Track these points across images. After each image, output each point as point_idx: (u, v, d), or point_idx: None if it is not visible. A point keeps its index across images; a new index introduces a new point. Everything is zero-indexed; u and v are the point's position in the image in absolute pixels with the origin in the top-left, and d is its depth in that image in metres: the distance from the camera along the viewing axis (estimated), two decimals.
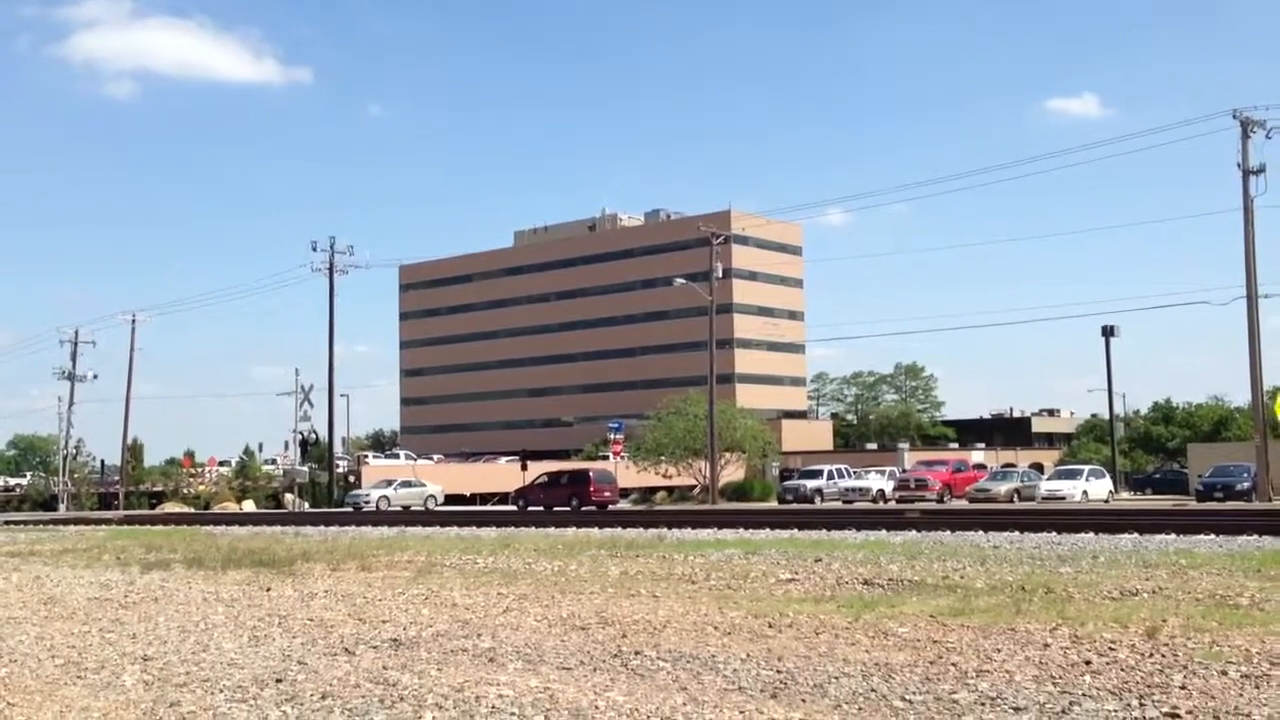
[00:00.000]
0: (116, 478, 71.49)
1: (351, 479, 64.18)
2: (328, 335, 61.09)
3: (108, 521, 43.29)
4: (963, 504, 41.89)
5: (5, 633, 11.40)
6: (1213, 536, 19.05)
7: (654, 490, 60.85)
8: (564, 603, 12.33)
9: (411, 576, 15.87)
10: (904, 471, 52.13)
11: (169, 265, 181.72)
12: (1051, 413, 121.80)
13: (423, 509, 48.91)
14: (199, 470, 77.43)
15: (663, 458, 58.69)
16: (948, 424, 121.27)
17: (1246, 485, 40.99)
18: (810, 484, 48.80)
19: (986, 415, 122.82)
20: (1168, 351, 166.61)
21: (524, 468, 56.11)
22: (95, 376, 72.51)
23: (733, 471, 59.72)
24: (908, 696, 7.23)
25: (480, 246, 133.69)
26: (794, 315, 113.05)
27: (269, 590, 14.62)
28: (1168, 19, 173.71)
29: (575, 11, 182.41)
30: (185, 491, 69.63)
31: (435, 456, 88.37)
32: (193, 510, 59.40)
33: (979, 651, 8.67)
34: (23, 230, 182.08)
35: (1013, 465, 61.21)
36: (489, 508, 55.27)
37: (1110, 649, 8.60)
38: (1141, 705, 6.84)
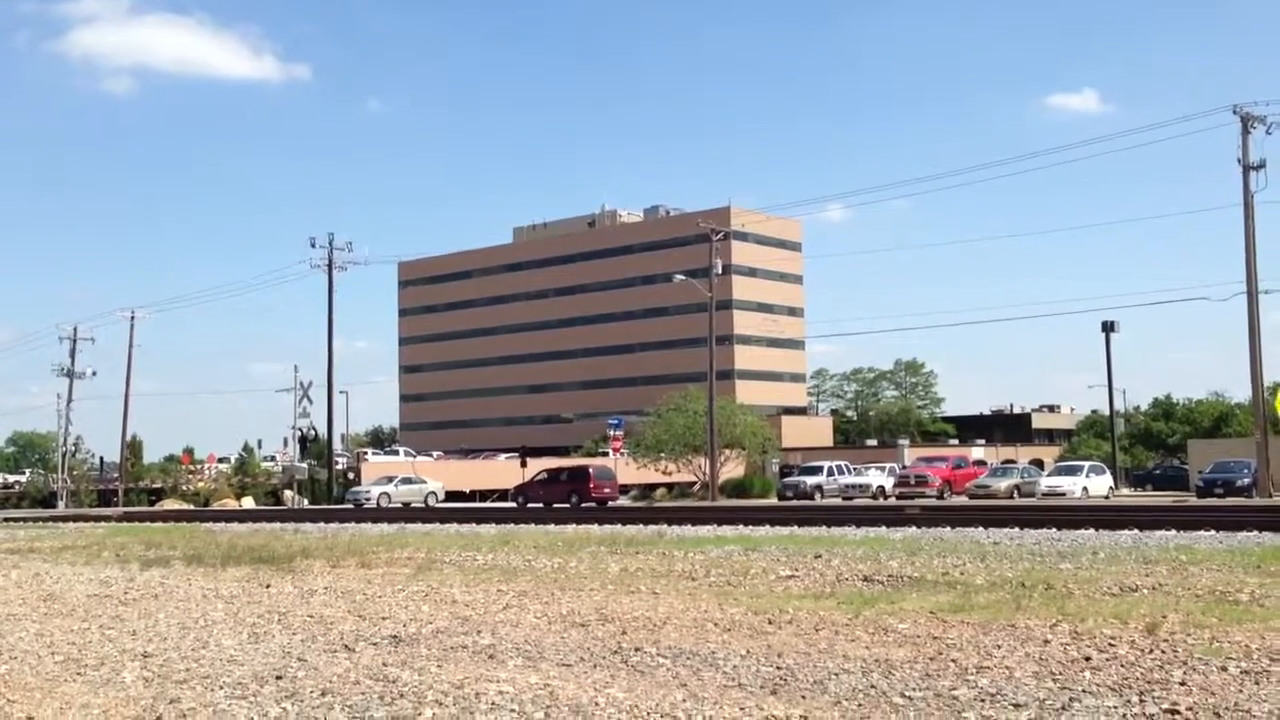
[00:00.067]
0: (116, 475, 71.51)
1: (351, 476, 64.21)
2: (327, 332, 61.10)
3: (107, 518, 43.30)
4: (963, 500, 41.90)
5: (5, 630, 11.40)
6: (1213, 532, 19.05)
7: (654, 487, 60.88)
8: (564, 599, 12.33)
9: (411, 573, 15.87)
10: (904, 468, 52.16)
11: (168, 262, 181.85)
12: (1051, 409, 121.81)
13: (423, 506, 48.92)
14: (198, 467, 77.48)
15: (662, 454, 58.68)
16: (948, 420, 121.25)
17: (1247, 481, 40.99)
18: (810, 480, 48.84)
19: (986, 411, 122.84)
20: (1168, 347, 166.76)
21: (523, 464, 56.13)
22: (94, 373, 72.58)
23: (732, 468, 59.74)
24: (908, 693, 7.23)
25: (479, 243, 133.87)
26: (794, 311, 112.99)
27: (269, 587, 14.62)
28: (1168, 14, 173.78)
29: (575, 8, 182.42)
30: (184, 488, 69.67)
31: (435, 453, 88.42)
32: (192, 507, 59.41)
33: (979, 648, 8.66)
34: (21, 227, 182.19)
35: (1013, 461, 61.16)
36: (488, 504, 55.30)
37: (1110, 645, 8.60)
38: (1142, 701, 6.84)
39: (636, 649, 9.04)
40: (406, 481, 53.41)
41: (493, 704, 7.19)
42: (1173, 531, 19.49)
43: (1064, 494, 41.09)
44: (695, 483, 58.65)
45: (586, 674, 8.15)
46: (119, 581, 16.04)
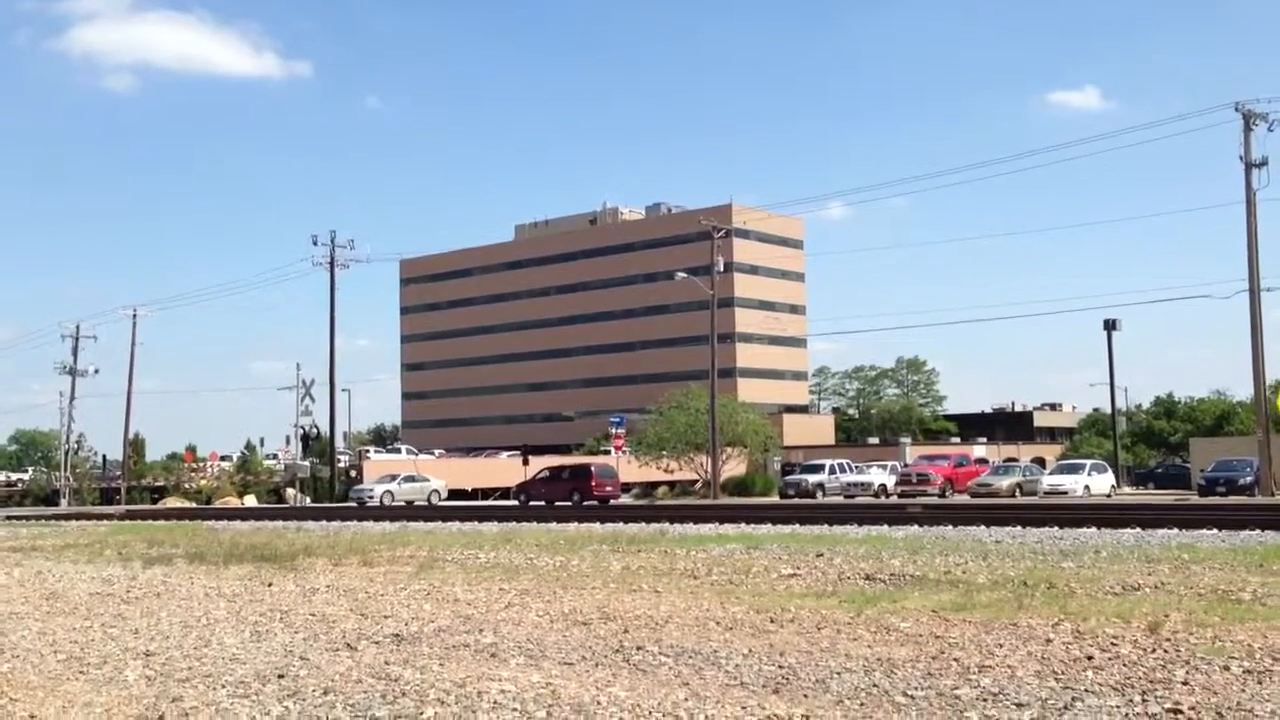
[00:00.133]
0: (118, 473, 71.57)
1: (353, 474, 64.25)
2: (328, 330, 61.18)
3: (109, 517, 43.33)
4: (965, 499, 41.91)
5: (7, 628, 11.41)
6: (1215, 531, 19.04)
7: (655, 485, 60.89)
8: (566, 598, 12.33)
9: (413, 572, 15.88)
10: (906, 466, 52.18)
11: (170, 260, 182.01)
12: (1053, 407, 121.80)
13: (426, 504, 48.94)
14: (200, 465, 77.53)
15: (664, 452, 58.69)
16: (949, 418, 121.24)
17: (1249, 480, 40.97)
18: (812, 479, 48.84)
19: (988, 410, 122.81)
20: (1170, 345, 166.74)
21: (525, 462, 56.14)
22: (97, 371, 72.60)
23: (734, 466, 59.73)
24: (910, 692, 7.23)
25: (481, 240, 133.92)
26: (795, 309, 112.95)
27: (271, 585, 14.63)
28: (1170, 11, 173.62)
29: (576, 6, 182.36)
30: (187, 486, 69.71)
31: (436, 451, 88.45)
32: (194, 505, 59.46)
33: (981, 647, 8.66)
34: (22, 225, 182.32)
35: (1015, 460, 61.18)
36: (490, 503, 55.35)
37: (1113, 644, 8.59)
38: (1144, 701, 6.84)
39: (639, 648, 9.04)
40: (410, 480, 53.44)
41: (495, 703, 7.19)
42: (1175, 530, 19.47)
43: (1066, 492, 41.07)
44: (697, 481, 58.66)
45: (589, 672, 8.15)
46: (121, 580, 16.05)
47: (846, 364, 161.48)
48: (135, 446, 74.10)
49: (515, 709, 7.03)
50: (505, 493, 58.15)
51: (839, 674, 7.82)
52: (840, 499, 45.17)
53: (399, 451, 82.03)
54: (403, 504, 48.12)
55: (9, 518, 46.22)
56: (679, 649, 8.93)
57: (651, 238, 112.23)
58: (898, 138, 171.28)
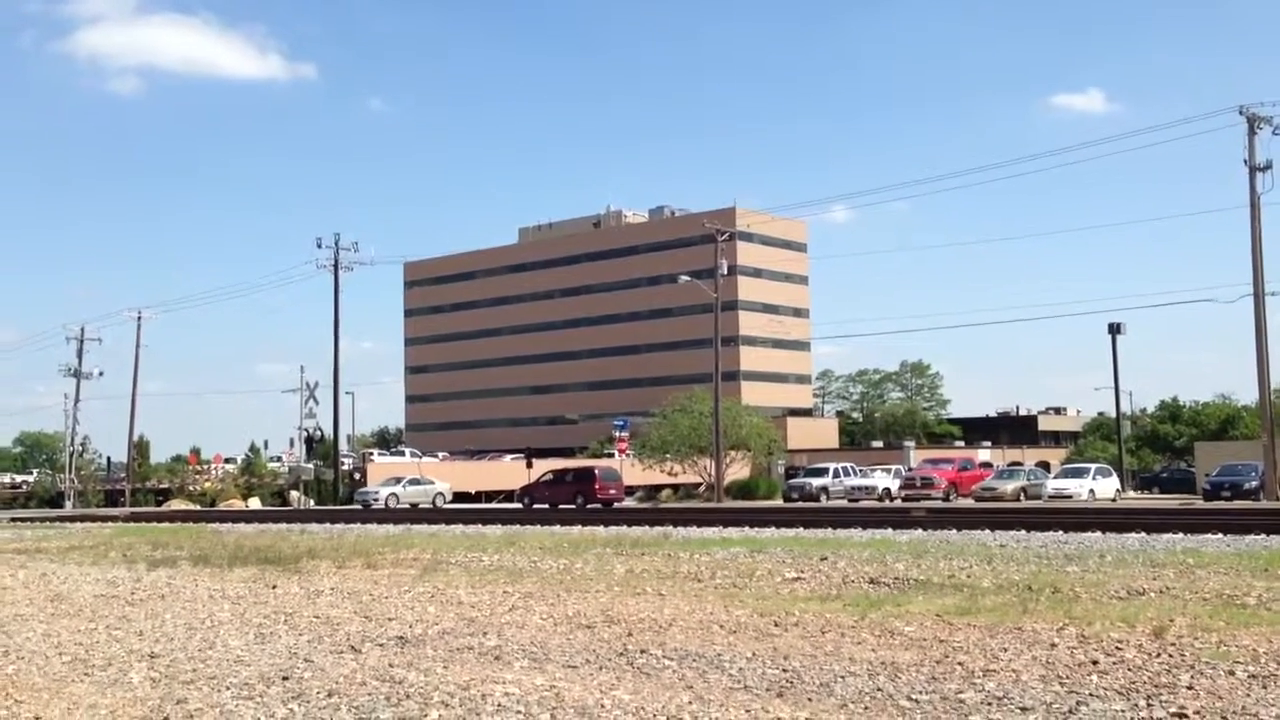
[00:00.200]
0: (123, 475, 71.65)
1: (357, 476, 64.28)
2: (333, 332, 61.24)
3: (114, 518, 43.40)
4: (969, 503, 41.85)
5: (13, 630, 11.42)
6: (1220, 536, 19.01)
7: (659, 488, 60.87)
8: (570, 601, 12.33)
9: (417, 574, 15.88)
10: (910, 470, 52.08)
11: (174, 262, 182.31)
12: (1058, 411, 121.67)
13: (431, 506, 48.98)
14: (205, 467, 77.59)
15: (668, 456, 58.68)
16: (953, 422, 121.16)
17: (1254, 484, 40.89)
18: (816, 482, 48.79)
19: (992, 413, 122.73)
20: (1174, 349, 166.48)
21: (529, 465, 56.13)
22: (101, 374, 72.70)
23: (738, 469, 59.72)
24: (914, 696, 7.22)
25: (485, 243, 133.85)
26: (799, 312, 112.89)
27: (275, 588, 14.65)
28: (1174, 13, 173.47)
29: (579, 7, 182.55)
30: (191, 489, 69.78)
31: (440, 454, 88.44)
32: (198, 507, 59.52)
33: (985, 651, 8.65)
34: (27, 227, 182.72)
35: (1019, 464, 61.08)
36: (494, 505, 55.35)
37: (1117, 649, 8.58)
38: (1149, 705, 6.83)
39: (642, 651, 9.04)
40: (414, 482, 53.48)
41: (499, 705, 7.19)
42: (1180, 534, 19.44)
43: (1070, 496, 40.99)
44: (701, 484, 58.63)
45: (592, 676, 8.15)
46: (126, 582, 16.07)
47: (850, 367, 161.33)
48: (140, 449, 74.21)
49: (519, 712, 7.04)
50: (509, 496, 58.14)
51: (843, 678, 7.81)
52: (844, 503, 45.12)
53: (403, 454, 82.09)
54: (408, 506, 48.15)
55: (14, 520, 46.30)
56: (683, 652, 8.93)
57: (655, 241, 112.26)
58: (902, 141, 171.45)
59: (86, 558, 20.98)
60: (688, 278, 62.15)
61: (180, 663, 9.13)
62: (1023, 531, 20.98)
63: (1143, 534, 19.70)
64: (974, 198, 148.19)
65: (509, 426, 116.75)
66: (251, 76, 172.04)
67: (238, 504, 62.34)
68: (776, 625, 10.19)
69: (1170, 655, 8.28)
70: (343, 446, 65.60)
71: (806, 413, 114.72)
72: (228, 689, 8.01)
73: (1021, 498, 42.40)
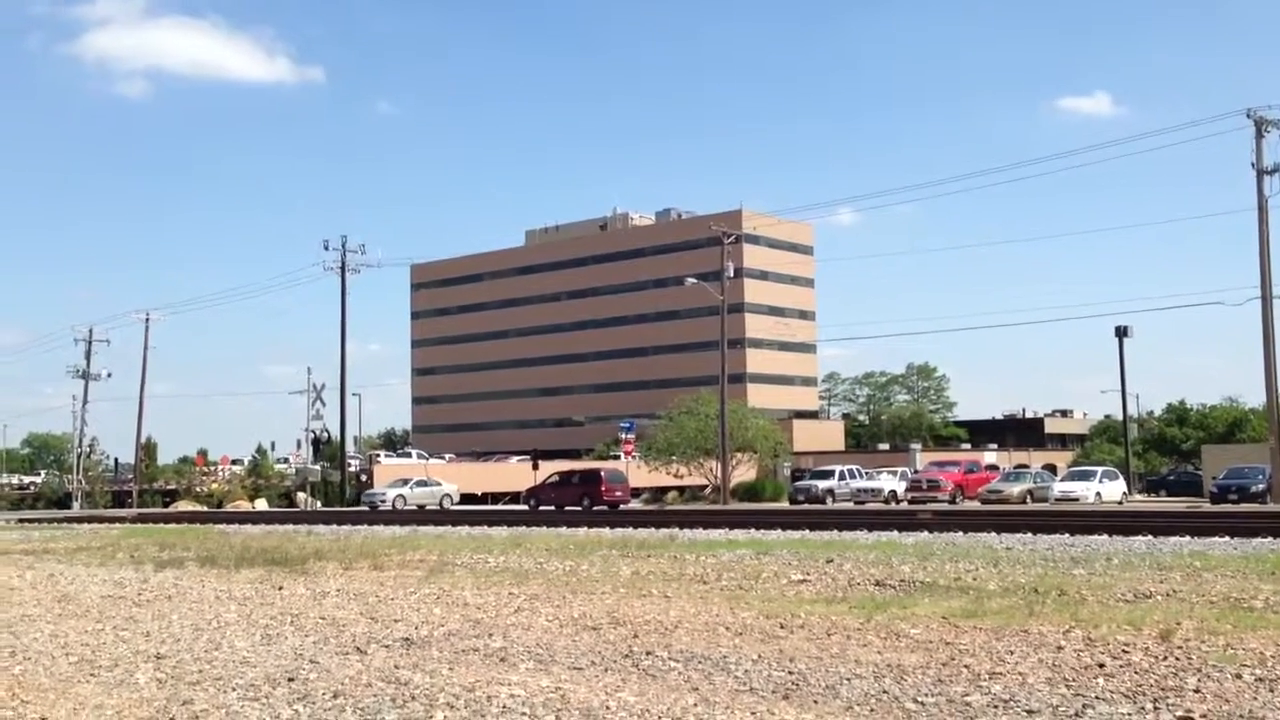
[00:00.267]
0: (130, 476, 71.81)
1: (363, 478, 64.37)
2: (340, 334, 61.33)
3: (121, 520, 43.49)
4: (975, 505, 41.80)
5: (20, 630, 11.46)
6: (1227, 539, 18.97)
7: (665, 490, 60.88)
8: (575, 603, 12.34)
9: (423, 575, 15.90)
10: (916, 472, 52.05)
11: (181, 265, 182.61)
12: (1064, 414, 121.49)
13: (438, 508, 49.03)
14: (212, 469, 77.71)
15: (674, 458, 58.69)
16: (960, 425, 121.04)
17: (1261, 487, 40.82)
18: (822, 484, 48.76)
19: (999, 416, 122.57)
20: (1181, 352, 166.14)
21: (535, 467, 56.19)
22: (109, 375, 73.01)
23: (744, 471, 59.71)
24: (920, 698, 7.22)
25: (491, 245, 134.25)
26: (805, 315, 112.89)
27: (281, 589, 14.67)
28: (1180, 16, 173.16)
29: (586, 9, 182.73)
30: (198, 490, 69.91)
31: (447, 456, 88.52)
32: (206, 509, 59.63)
33: (992, 654, 8.64)
34: (34, 229, 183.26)
35: (1025, 466, 61.10)
36: (500, 507, 55.38)
37: (1124, 652, 8.56)
38: (1155, 709, 6.82)
39: (648, 653, 9.04)
40: (422, 484, 53.56)
41: (504, 707, 7.20)
42: (1187, 537, 19.40)
43: (1077, 499, 40.96)
44: (707, 486, 58.64)
45: (598, 677, 8.15)
46: (133, 583, 16.10)
47: (856, 370, 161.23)
48: (147, 450, 74.33)
49: (524, 713, 7.04)
50: (515, 497, 58.18)
51: (849, 680, 7.81)
52: (850, 505, 45.08)
53: (409, 456, 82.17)
54: (415, 508, 48.21)
55: (21, 520, 46.41)
56: (688, 654, 8.93)
57: (662, 243, 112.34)
58: (908, 143, 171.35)
59: (94, 558, 21.03)
60: (694, 280, 62.22)
61: (186, 663, 9.15)
62: (1029, 534, 20.95)
63: (1149, 537, 19.66)
64: (980, 200, 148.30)
65: (515, 428, 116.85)
66: (259, 79, 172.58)
67: (245, 505, 62.45)
68: (782, 627, 10.18)
69: (1177, 658, 8.26)
70: (349, 448, 65.71)
71: (812, 415, 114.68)
72: (234, 690, 8.02)
73: (1028, 500, 42.34)
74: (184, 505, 63.51)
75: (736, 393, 74.89)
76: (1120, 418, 64.79)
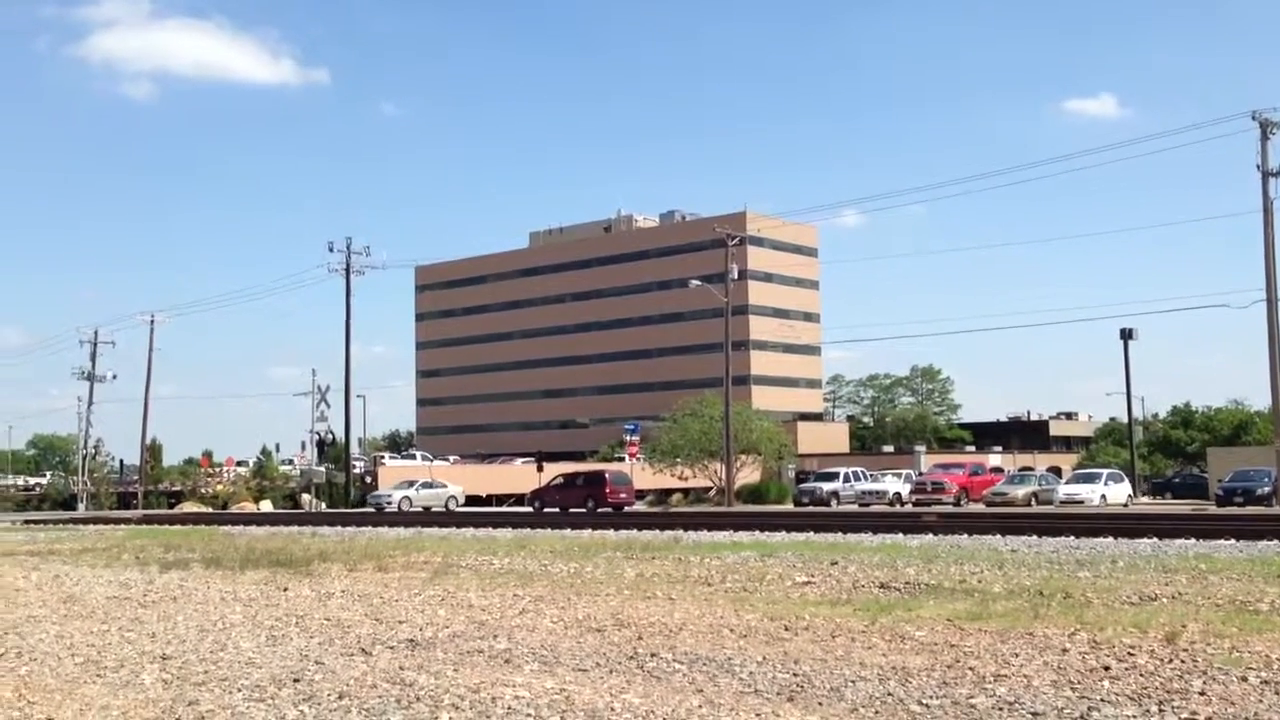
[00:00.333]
0: (135, 477, 71.90)
1: (368, 480, 64.42)
2: (344, 336, 61.38)
3: (126, 521, 43.54)
4: (980, 508, 41.72)
5: (25, 631, 11.48)
6: (1233, 541, 18.93)
7: (670, 492, 60.85)
8: (580, 604, 12.34)
9: (428, 577, 15.91)
10: (920, 474, 51.98)
11: (186, 266, 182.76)
12: (1069, 416, 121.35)
13: (443, 510, 49.05)
14: (217, 470, 77.84)
15: (678, 460, 58.66)
16: (964, 427, 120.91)
17: (1267, 490, 40.72)
18: (826, 486, 48.70)
19: (1003, 418, 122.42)
20: (1187, 355, 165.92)
21: (540, 469, 56.18)
22: (115, 377, 73.00)
23: (748, 474, 59.66)
24: (925, 700, 7.21)
25: (496, 247, 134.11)
26: (809, 317, 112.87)
27: (286, 590, 14.68)
28: (1186, 18, 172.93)
29: (590, 11, 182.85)
30: (203, 491, 70.00)
31: (451, 457, 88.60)
32: (210, 510, 59.70)
33: (997, 656, 8.64)
34: (40, 230, 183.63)
35: (1030, 469, 60.94)
36: (505, 509, 55.39)
37: (1129, 654, 8.56)
38: (1161, 711, 6.81)
39: (652, 654, 9.05)
40: (427, 486, 53.59)
41: (509, 708, 7.21)
42: (1192, 540, 19.37)
43: (1082, 502, 40.87)
44: (711, 488, 58.61)
45: (603, 679, 8.16)
46: (138, 584, 16.13)
47: (861, 372, 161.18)
48: (152, 451, 74.45)
49: (529, 715, 7.05)
50: (520, 499, 58.20)
51: (853, 682, 7.80)
52: (855, 507, 45.01)
53: (414, 457, 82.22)
54: (420, 510, 48.24)
55: (27, 522, 46.50)
56: (693, 656, 8.93)
57: (666, 245, 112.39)
58: (913, 145, 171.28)
59: (99, 560, 21.07)
60: (698, 282, 62.19)
61: (192, 664, 9.16)
62: (1034, 536, 20.92)
63: (1155, 539, 19.63)
64: (985, 202, 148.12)
65: (520, 430, 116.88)
66: (264, 81, 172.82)
67: (249, 507, 62.51)
68: (787, 629, 10.18)
69: (1182, 661, 8.25)
70: (354, 450, 65.73)
71: (817, 417, 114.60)
72: (239, 691, 8.03)
73: (1033, 503, 42.28)
74: (189, 507, 63.58)
75: (741, 395, 74.94)
76: (1125, 420, 64.63)
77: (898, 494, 47.06)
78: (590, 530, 26.84)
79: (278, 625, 11.37)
